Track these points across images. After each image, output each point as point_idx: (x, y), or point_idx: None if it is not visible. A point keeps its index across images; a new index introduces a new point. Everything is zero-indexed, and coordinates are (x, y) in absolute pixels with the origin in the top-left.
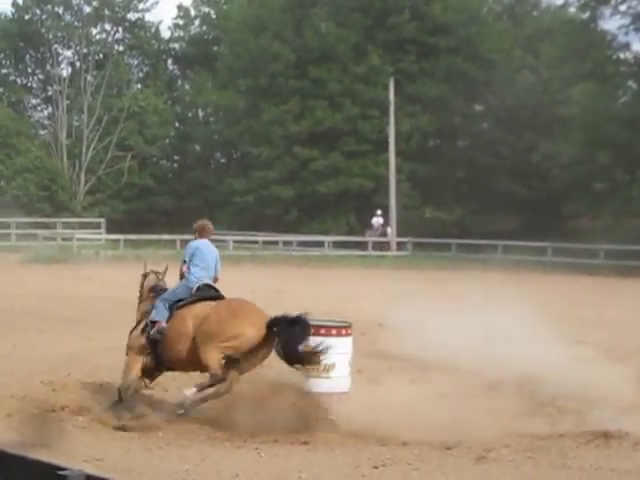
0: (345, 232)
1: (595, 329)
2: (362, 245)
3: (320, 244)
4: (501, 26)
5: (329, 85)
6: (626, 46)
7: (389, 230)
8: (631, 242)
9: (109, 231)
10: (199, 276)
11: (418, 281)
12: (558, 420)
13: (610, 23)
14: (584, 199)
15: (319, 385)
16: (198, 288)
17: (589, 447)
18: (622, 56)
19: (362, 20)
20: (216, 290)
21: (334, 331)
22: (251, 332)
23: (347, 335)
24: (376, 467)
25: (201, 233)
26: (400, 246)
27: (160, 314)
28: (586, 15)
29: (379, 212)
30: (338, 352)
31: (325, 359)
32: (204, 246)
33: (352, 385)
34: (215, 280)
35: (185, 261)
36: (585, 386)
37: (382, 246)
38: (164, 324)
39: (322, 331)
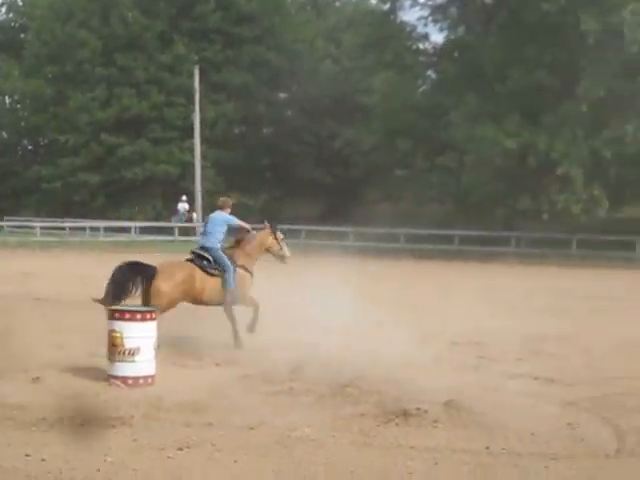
0: (152, 218)
1: (395, 310)
2: (168, 230)
3: (127, 230)
4: (304, 16)
5: (135, 73)
6: (425, 37)
7: (195, 215)
8: (430, 227)
9: None
10: (199, 242)
11: None
12: (360, 400)
13: (410, 14)
14: (385, 185)
15: (124, 369)
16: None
17: (389, 426)
18: (421, 46)
19: (168, 9)
20: (200, 256)
21: (139, 315)
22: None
23: (151, 319)
24: (180, 449)
25: (221, 207)
26: None
27: None
28: (386, 6)
29: (184, 198)
30: (143, 336)
31: (129, 343)
32: (215, 216)
33: (157, 368)
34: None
35: None
36: (386, 366)
37: (188, 231)
38: None
39: (127, 315)
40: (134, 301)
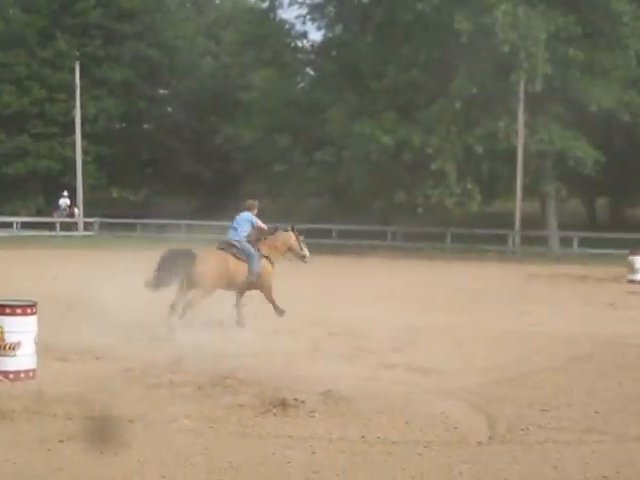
0: (34, 213)
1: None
2: (50, 226)
3: (9, 225)
4: (184, 13)
5: (16, 69)
6: (304, 35)
7: (76, 211)
8: (309, 221)
9: None
10: (228, 235)
11: (105, 262)
12: (239, 390)
13: (288, 12)
14: (264, 180)
15: (6, 363)
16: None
17: (268, 416)
18: (300, 44)
19: (49, 5)
20: (230, 244)
21: (19, 310)
22: None
23: (32, 314)
24: (61, 441)
25: (248, 208)
26: (87, 226)
27: None
28: (265, 4)
29: (65, 193)
30: (23, 330)
31: (10, 338)
32: (242, 215)
33: (39, 362)
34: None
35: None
36: (265, 357)
37: (70, 226)
38: None
39: (7, 310)
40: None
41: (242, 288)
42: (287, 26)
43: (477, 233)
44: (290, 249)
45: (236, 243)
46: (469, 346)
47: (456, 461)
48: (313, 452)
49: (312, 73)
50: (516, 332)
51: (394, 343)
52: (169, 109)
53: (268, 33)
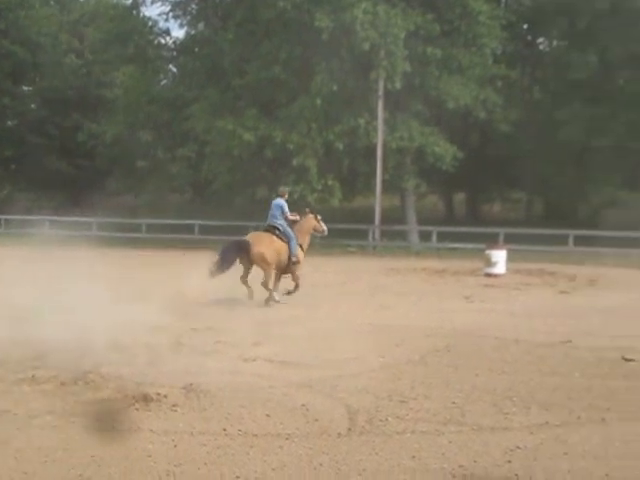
0: None
1: (134, 297)
2: None
3: None
4: (48, 11)
5: None
6: (166, 32)
7: None
8: (171, 217)
9: None
10: (269, 220)
11: None
12: (101, 385)
13: (151, 10)
14: (128, 177)
15: None
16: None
17: (130, 410)
18: (163, 41)
19: None
20: (273, 227)
21: None
22: None
23: None
24: None
25: (280, 195)
26: None
27: None
28: (129, 1)
29: None
30: None
31: None
32: (276, 202)
33: None
34: (285, 218)
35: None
36: (128, 352)
37: None
38: None
39: None
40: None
41: (284, 269)
42: (150, 23)
43: (338, 228)
44: (315, 230)
45: (278, 226)
46: (329, 339)
47: (317, 452)
48: (175, 445)
49: (174, 70)
50: (376, 325)
51: (255, 337)
52: (33, 106)
53: (131, 30)
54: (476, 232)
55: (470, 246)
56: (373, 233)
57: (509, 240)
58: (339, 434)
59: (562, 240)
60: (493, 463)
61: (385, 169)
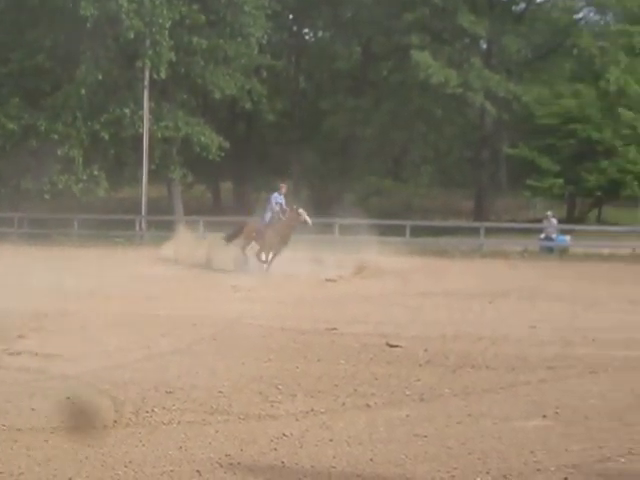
0: None
1: None
2: None
3: None
4: None
5: None
6: None
7: None
8: None
9: None
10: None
11: None
12: None
13: None
14: None
15: None
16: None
17: None
18: None
19: None
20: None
21: None
22: None
23: None
24: None
25: (280, 190)
26: None
27: None
28: None
29: None
30: None
31: None
32: (274, 195)
33: None
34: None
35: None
36: None
37: None
38: None
39: None
40: None
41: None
42: None
43: (105, 219)
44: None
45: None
46: (95, 331)
47: (82, 445)
48: None
49: None
50: (142, 315)
51: (19, 330)
52: None
53: None
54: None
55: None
56: (140, 223)
57: None
58: (105, 426)
59: (328, 229)
60: (259, 451)
61: (151, 159)
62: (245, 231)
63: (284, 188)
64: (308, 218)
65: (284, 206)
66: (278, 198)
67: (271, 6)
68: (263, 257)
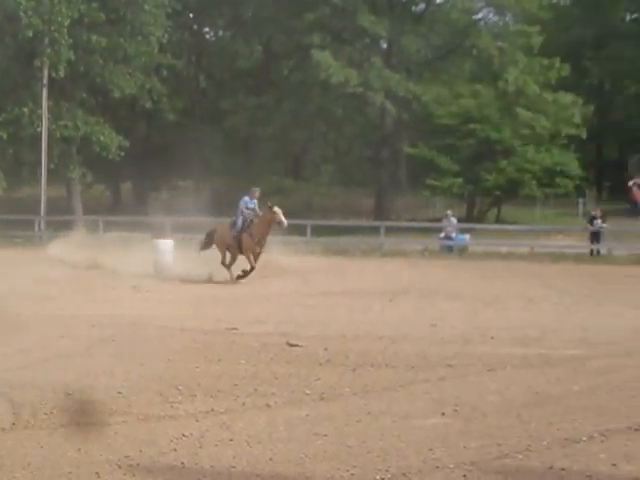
0: None
1: None
2: None
3: None
4: None
5: None
6: None
7: None
8: None
9: None
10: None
11: None
12: None
13: None
14: None
15: None
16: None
17: None
18: None
19: None
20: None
21: None
22: None
23: None
24: None
25: (251, 194)
26: None
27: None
28: None
29: None
30: None
31: None
32: (245, 200)
33: None
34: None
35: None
36: None
37: None
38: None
39: None
40: None
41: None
42: None
43: (4, 219)
44: (271, 224)
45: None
46: None
47: None
48: None
49: None
50: (42, 316)
51: None
52: None
53: None
54: (144, 221)
55: (136, 236)
56: (39, 224)
57: (178, 229)
58: (3, 429)
59: None
60: (159, 452)
61: (50, 158)
62: (216, 238)
63: (257, 192)
64: (284, 219)
65: (258, 211)
66: (249, 203)
67: (171, 5)
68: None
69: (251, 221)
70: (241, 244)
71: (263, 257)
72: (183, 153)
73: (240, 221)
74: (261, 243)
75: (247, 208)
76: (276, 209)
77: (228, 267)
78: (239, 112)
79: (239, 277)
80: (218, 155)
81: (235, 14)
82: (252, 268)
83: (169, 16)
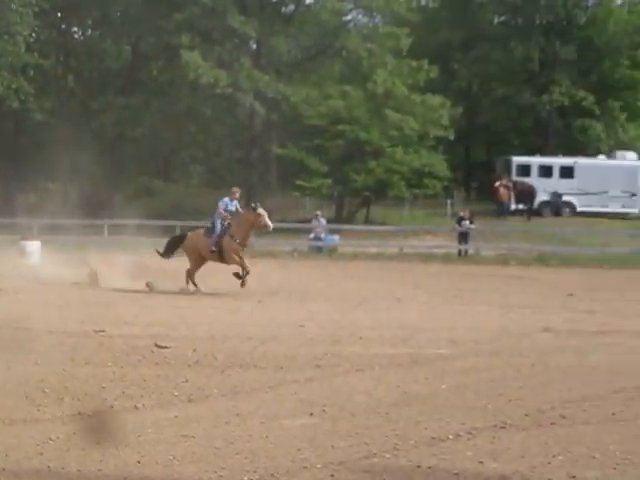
0: None
1: None
2: None
3: None
4: None
5: None
6: None
7: None
8: None
9: None
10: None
11: None
12: None
13: None
14: None
15: None
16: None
17: None
18: None
19: None
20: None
21: None
22: None
23: None
24: None
25: (231, 195)
26: None
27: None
28: None
29: None
30: None
31: None
32: (225, 201)
33: None
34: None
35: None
36: None
37: None
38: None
39: None
40: None
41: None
42: None
43: None
44: (254, 225)
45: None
46: None
47: None
48: None
49: None
50: None
51: None
52: None
53: None
54: (11, 223)
55: (3, 237)
56: None
57: (46, 231)
58: None
59: (98, 230)
60: (25, 456)
61: None
62: (188, 245)
63: (237, 193)
64: (269, 221)
65: (240, 212)
66: (230, 204)
67: (39, 4)
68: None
69: (229, 224)
70: (222, 249)
71: (132, 259)
72: (51, 154)
73: (218, 224)
74: (243, 244)
75: (226, 210)
76: (261, 211)
77: (190, 275)
78: (107, 112)
79: (239, 278)
80: (87, 156)
81: (104, 13)
82: (247, 272)
83: (37, 15)
